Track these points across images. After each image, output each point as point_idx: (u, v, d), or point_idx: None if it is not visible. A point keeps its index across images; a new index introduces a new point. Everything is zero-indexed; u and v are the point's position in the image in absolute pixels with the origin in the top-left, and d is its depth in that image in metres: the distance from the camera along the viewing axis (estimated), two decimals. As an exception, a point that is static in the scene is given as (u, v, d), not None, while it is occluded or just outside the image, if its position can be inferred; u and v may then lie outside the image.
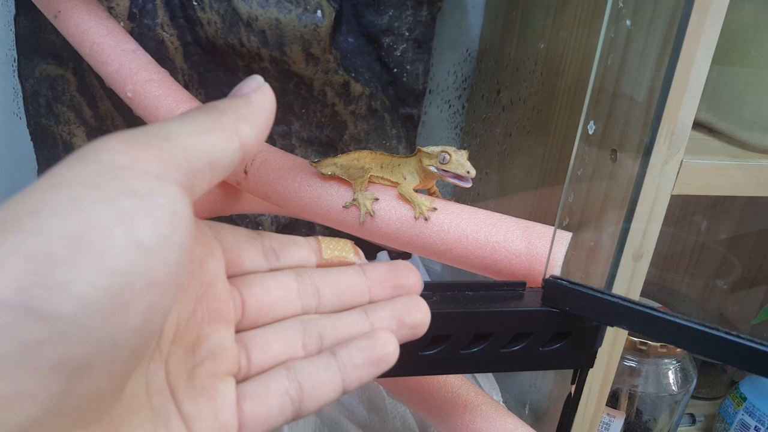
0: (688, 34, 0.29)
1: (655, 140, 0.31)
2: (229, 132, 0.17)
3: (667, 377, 0.50)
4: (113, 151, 0.15)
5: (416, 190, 0.33)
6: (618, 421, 0.49)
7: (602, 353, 0.38)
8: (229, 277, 0.21)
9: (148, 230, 0.14)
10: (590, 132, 0.30)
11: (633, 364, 0.50)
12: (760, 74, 0.39)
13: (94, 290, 0.13)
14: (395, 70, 0.57)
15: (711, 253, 0.67)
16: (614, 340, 0.38)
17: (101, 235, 0.13)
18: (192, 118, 0.17)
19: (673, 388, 0.50)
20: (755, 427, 0.54)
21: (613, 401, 0.50)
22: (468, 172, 0.30)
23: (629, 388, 0.50)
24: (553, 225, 0.30)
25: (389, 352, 0.21)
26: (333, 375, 0.20)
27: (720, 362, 0.60)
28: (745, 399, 0.56)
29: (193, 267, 0.19)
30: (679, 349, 0.49)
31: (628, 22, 0.27)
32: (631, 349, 0.49)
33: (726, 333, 0.23)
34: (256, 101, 0.19)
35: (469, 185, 0.30)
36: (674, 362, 0.50)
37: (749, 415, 0.55)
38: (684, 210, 0.65)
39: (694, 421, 0.61)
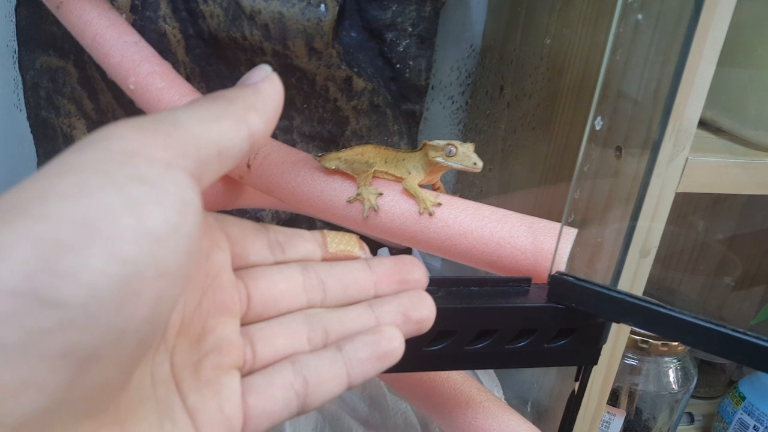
0: (697, 31, 0.29)
1: (660, 138, 0.31)
2: (238, 121, 0.17)
3: (668, 376, 0.50)
4: (122, 137, 0.15)
5: (421, 186, 0.33)
6: (618, 419, 0.49)
7: (604, 351, 0.38)
8: (235, 269, 0.20)
9: (157, 218, 0.14)
10: (597, 128, 0.30)
11: (634, 363, 0.50)
12: (764, 72, 0.39)
13: (103, 278, 0.13)
14: (398, 65, 0.56)
15: (711, 252, 0.67)
16: (616, 337, 0.38)
17: (110, 222, 0.13)
18: (201, 107, 0.17)
19: (674, 386, 0.50)
20: (754, 426, 0.54)
21: (613, 399, 0.50)
22: (475, 164, 0.30)
23: (629, 387, 0.50)
24: (556, 221, 0.30)
25: (395, 347, 0.20)
26: (338, 369, 0.20)
27: (725, 359, 0.60)
28: (743, 398, 0.56)
29: (199, 258, 0.19)
30: (680, 348, 0.49)
31: (639, 16, 0.27)
32: (631, 347, 0.49)
33: (732, 330, 0.22)
34: (265, 90, 0.19)
35: (477, 170, 0.31)
36: (675, 361, 0.50)
37: (748, 415, 0.55)
38: (684, 208, 0.65)
39: (692, 420, 0.62)
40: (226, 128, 0.17)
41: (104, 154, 0.14)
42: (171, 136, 0.15)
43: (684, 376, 0.51)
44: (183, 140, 0.16)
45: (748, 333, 0.22)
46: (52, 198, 0.13)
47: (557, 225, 0.29)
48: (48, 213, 0.13)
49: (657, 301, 0.24)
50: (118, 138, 0.15)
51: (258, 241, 0.22)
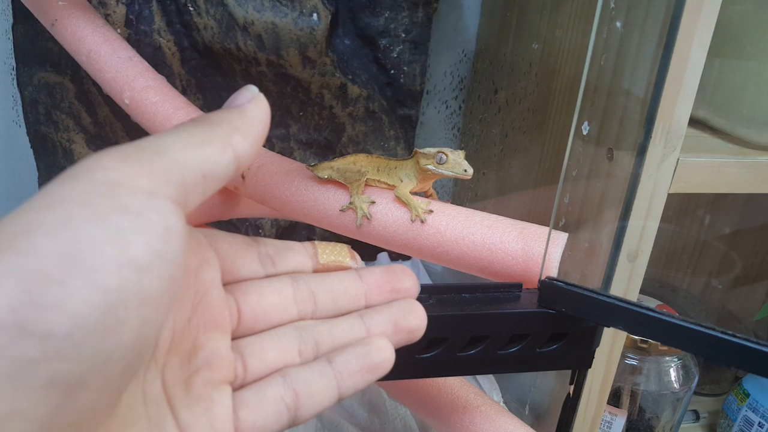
0: (682, 31, 0.29)
1: (649, 139, 0.31)
2: (223, 144, 0.18)
3: (669, 375, 0.50)
4: (105, 168, 0.15)
5: (413, 193, 0.33)
6: (620, 419, 0.49)
7: (602, 352, 0.38)
8: (225, 284, 0.21)
9: (140, 247, 0.14)
10: (584, 132, 0.30)
11: (634, 362, 0.50)
12: (757, 69, 0.39)
13: (87, 308, 0.13)
14: (392, 71, 0.57)
15: (712, 250, 0.67)
16: (614, 338, 0.38)
17: (94, 253, 0.13)
18: (185, 132, 0.17)
19: (675, 385, 0.50)
20: (759, 423, 0.54)
21: (615, 400, 0.50)
22: (465, 171, 0.30)
23: (631, 387, 0.50)
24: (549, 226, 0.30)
25: (385, 359, 0.21)
26: (328, 382, 0.20)
27: (716, 362, 0.60)
28: (748, 395, 0.56)
29: (188, 276, 0.19)
30: (678, 349, 0.49)
31: (618, 24, 0.27)
32: (632, 347, 0.49)
33: (722, 332, 0.22)
34: (251, 112, 0.19)
35: (468, 177, 0.31)
36: (675, 360, 0.50)
37: (753, 411, 0.55)
38: (684, 206, 0.65)
39: (698, 418, 0.61)
40: (210, 152, 0.17)
41: (88, 185, 0.14)
42: (154, 164, 0.16)
43: (685, 375, 0.51)
44: (166, 167, 0.16)
45: (739, 335, 0.22)
46: (37, 232, 0.13)
47: (548, 230, 0.29)
48: (32, 247, 0.13)
49: (648, 305, 0.24)
50: (101, 169, 0.15)
51: (248, 256, 0.22)
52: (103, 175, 0.15)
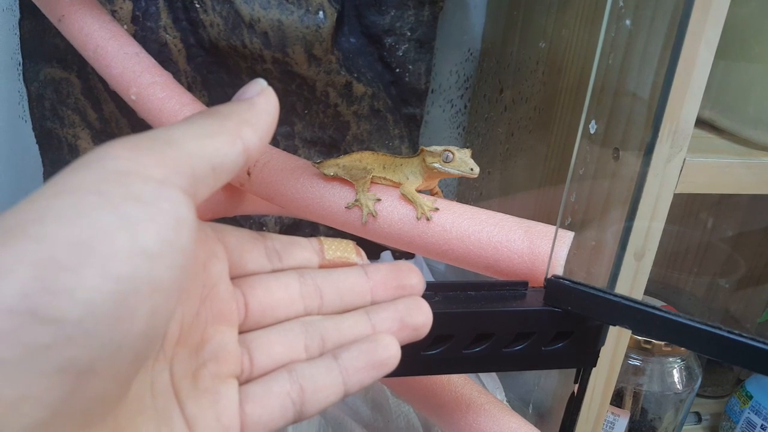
0: (689, 32, 0.29)
1: (656, 139, 0.31)
2: (233, 136, 0.18)
3: (672, 376, 0.50)
4: (117, 157, 0.15)
5: (419, 191, 0.33)
6: (622, 419, 0.49)
7: (606, 352, 0.38)
8: (232, 278, 0.21)
9: (151, 235, 0.14)
10: (591, 131, 0.30)
11: (637, 363, 0.50)
12: (763, 71, 0.39)
13: (98, 295, 0.13)
14: (397, 70, 0.57)
15: (716, 251, 0.67)
16: (618, 338, 0.38)
17: (105, 240, 0.14)
18: (195, 123, 0.17)
19: (678, 386, 0.50)
20: (761, 425, 0.54)
21: (617, 400, 0.50)
22: (471, 170, 0.30)
23: (634, 387, 0.50)
24: (554, 224, 0.30)
25: (390, 356, 0.21)
26: (334, 378, 0.20)
27: (722, 361, 0.60)
28: (751, 397, 0.55)
29: (196, 269, 0.19)
30: (683, 348, 0.49)
31: (627, 22, 0.27)
32: (635, 347, 0.49)
33: (728, 332, 0.22)
34: (259, 105, 0.19)
35: (474, 176, 0.31)
36: (679, 361, 0.50)
37: (755, 414, 0.55)
38: (689, 208, 0.65)
39: (700, 420, 0.61)
40: (220, 144, 0.17)
41: (100, 173, 0.15)
42: (165, 154, 0.16)
43: (688, 376, 0.50)
44: (177, 158, 0.16)
45: (745, 335, 0.22)
46: (49, 219, 0.13)
47: (554, 228, 0.29)
48: (45, 233, 0.13)
49: (652, 305, 0.24)
50: (113, 158, 0.15)
51: (255, 250, 0.22)
52: (115, 163, 0.15)
